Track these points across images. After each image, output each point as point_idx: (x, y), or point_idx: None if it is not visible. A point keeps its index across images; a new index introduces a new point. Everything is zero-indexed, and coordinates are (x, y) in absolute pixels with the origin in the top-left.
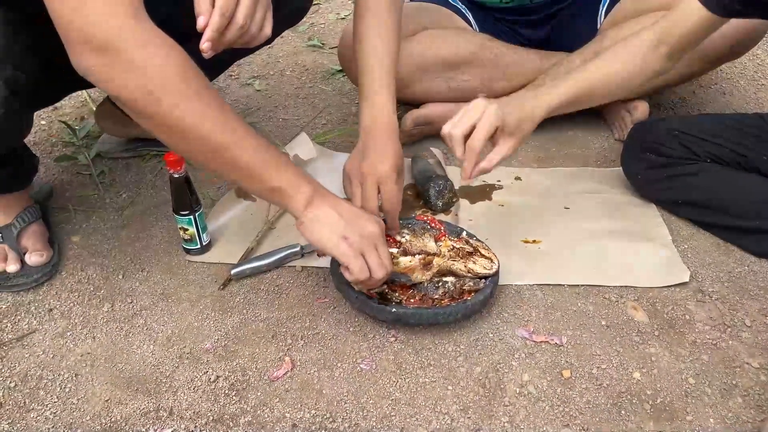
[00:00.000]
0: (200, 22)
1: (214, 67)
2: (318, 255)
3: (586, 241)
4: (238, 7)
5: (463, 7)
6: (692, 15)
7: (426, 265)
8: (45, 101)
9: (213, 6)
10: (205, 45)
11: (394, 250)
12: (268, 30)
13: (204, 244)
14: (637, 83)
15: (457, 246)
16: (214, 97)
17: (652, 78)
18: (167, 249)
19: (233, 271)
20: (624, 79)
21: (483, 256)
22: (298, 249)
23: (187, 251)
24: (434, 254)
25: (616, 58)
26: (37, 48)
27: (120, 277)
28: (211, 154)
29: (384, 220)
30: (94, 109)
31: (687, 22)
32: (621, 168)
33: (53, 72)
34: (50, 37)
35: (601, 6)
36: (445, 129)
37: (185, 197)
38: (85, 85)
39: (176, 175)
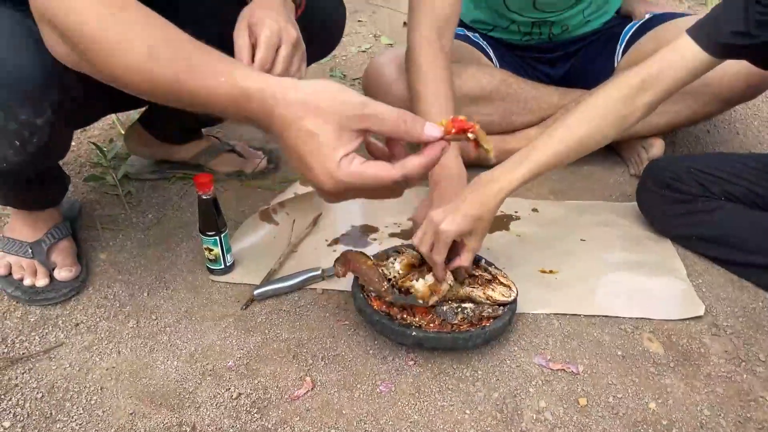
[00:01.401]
0: None
1: None
2: (338, 277)
3: (603, 273)
4: (277, 59)
5: (485, 43)
6: (686, 57)
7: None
8: (83, 122)
9: (252, 57)
10: None
11: (421, 282)
12: (302, 76)
13: (228, 264)
14: (613, 138)
15: (477, 273)
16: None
17: (629, 129)
18: (191, 268)
19: (256, 292)
20: (597, 141)
21: (502, 283)
22: (319, 272)
23: (211, 271)
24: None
25: (590, 119)
26: (81, 72)
27: (145, 294)
28: (161, 97)
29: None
30: (122, 131)
31: (679, 65)
32: (636, 202)
33: (93, 95)
34: None
35: (618, 45)
36: (415, 241)
37: (212, 218)
38: (117, 108)
39: (204, 197)
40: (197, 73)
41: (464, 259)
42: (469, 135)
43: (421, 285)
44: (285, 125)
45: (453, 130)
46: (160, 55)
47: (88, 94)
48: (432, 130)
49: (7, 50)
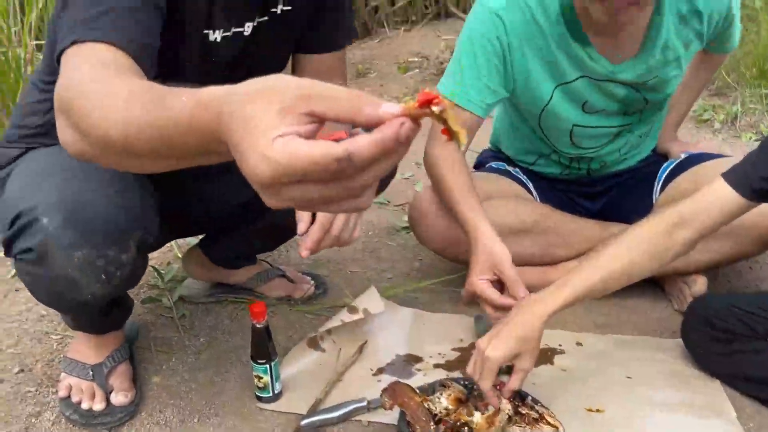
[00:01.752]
0: (301, 228)
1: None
2: (385, 409)
3: (651, 413)
4: (335, 219)
5: (525, 177)
6: (721, 199)
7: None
8: (154, 249)
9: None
10: (304, 252)
11: (477, 414)
12: (357, 234)
13: (276, 392)
14: (652, 271)
15: (523, 411)
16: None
17: (669, 263)
18: (240, 395)
19: (302, 423)
20: (637, 272)
21: (549, 423)
22: (364, 404)
23: (259, 398)
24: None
25: (630, 249)
26: (159, 209)
27: (195, 420)
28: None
29: None
30: (179, 254)
31: (715, 207)
32: (681, 339)
33: (166, 226)
34: (168, 197)
35: (656, 183)
36: (469, 371)
37: (264, 347)
38: (183, 235)
39: (258, 326)
40: (166, 102)
41: (514, 382)
42: (434, 108)
43: (478, 417)
44: (229, 122)
45: (416, 105)
46: (137, 98)
47: (162, 227)
48: (390, 107)
49: (95, 194)
